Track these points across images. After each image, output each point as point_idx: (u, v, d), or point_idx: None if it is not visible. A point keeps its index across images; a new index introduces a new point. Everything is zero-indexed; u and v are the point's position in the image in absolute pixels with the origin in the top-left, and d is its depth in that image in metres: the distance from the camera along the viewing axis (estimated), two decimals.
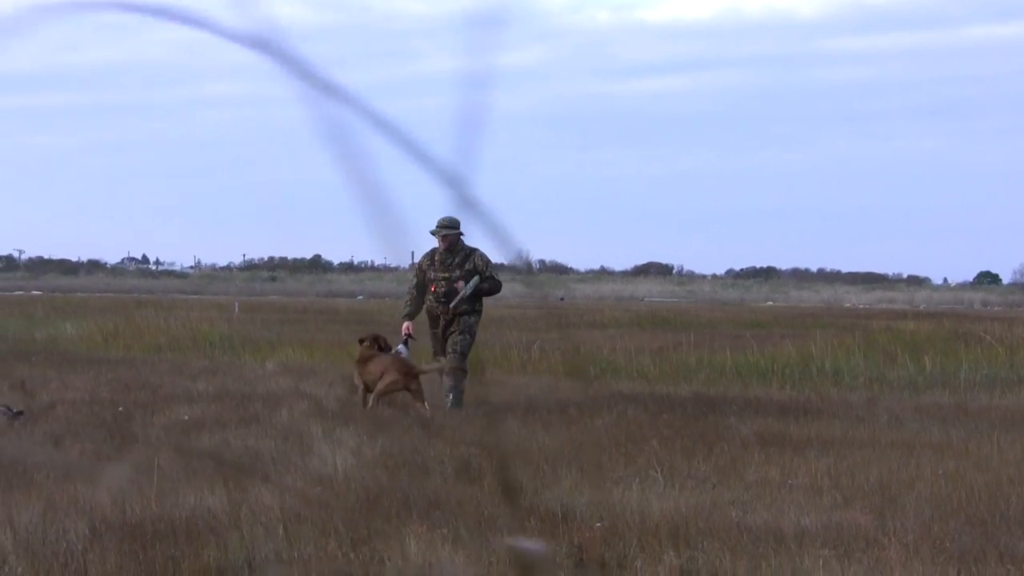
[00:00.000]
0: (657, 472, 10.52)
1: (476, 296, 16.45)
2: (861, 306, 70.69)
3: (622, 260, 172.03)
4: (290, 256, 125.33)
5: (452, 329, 16.26)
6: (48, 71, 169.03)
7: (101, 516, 8.34)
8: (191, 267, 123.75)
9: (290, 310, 45.38)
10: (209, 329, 30.47)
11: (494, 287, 16.72)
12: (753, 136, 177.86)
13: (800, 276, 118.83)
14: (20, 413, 14.14)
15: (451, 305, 16.12)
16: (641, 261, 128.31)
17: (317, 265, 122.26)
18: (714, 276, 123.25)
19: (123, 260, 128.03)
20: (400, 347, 16.36)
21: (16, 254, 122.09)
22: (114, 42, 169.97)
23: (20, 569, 7.17)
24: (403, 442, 12.17)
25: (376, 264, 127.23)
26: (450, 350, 16.16)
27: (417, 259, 16.99)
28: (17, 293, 73.54)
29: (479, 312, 16.63)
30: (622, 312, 49.55)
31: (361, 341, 16.31)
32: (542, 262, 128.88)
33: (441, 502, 9.00)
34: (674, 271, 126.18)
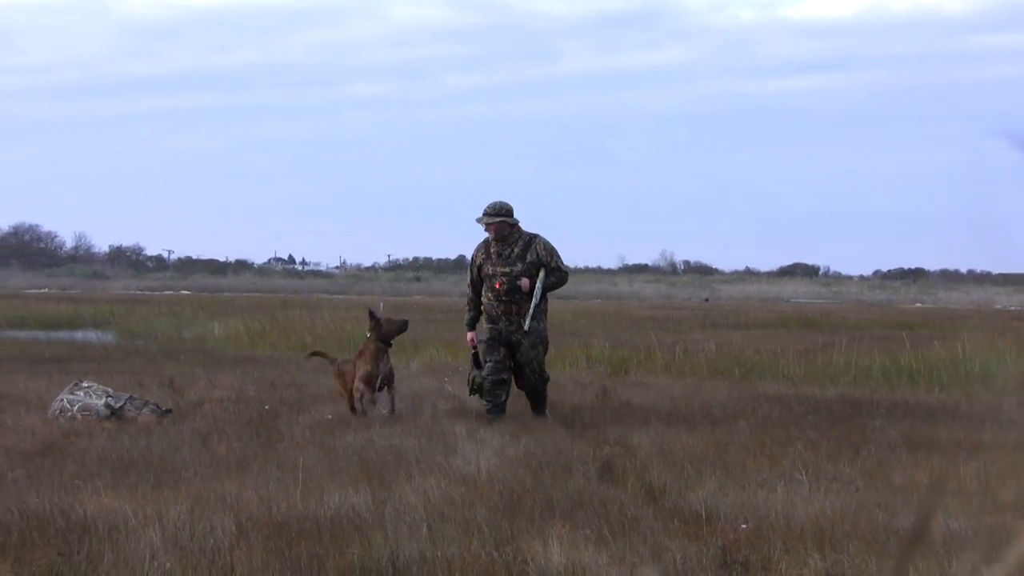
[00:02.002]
0: (802, 474, 10.41)
1: (544, 293, 14.56)
2: (1012, 307, 69.55)
3: (767, 261, 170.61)
4: (434, 256, 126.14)
5: (518, 337, 14.39)
6: (195, 73, 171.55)
7: (247, 513, 8.42)
8: (336, 267, 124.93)
9: (434, 310, 45.59)
10: (354, 329, 30.68)
11: (561, 280, 14.74)
12: (900, 135, 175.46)
13: (949, 277, 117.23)
14: (168, 411, 14.34)
15: (526, 327, 14.29)
16: (787, 262, 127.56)
17: (461, 265, 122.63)
18: (861, 277, 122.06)
19: (270, 260, 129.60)
20: (475, 372, 14.57)
21: (165, 254, 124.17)
22: (259, 44, 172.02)
23: (168, 565, 7.25)
24: (546, 442, 12.16)
25: None
26: (526, 370, 14.46)
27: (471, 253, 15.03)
28: (166, 293, 74.73)
29: (545, 311, 14.70)
30: (767, 313, 49.21)
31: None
32: (687, 263, 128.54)
33: (584, 502, 8.97)
34: (820, 272, 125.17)
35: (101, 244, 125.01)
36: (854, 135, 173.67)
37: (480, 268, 14.64)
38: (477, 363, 14.61)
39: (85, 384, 14.60)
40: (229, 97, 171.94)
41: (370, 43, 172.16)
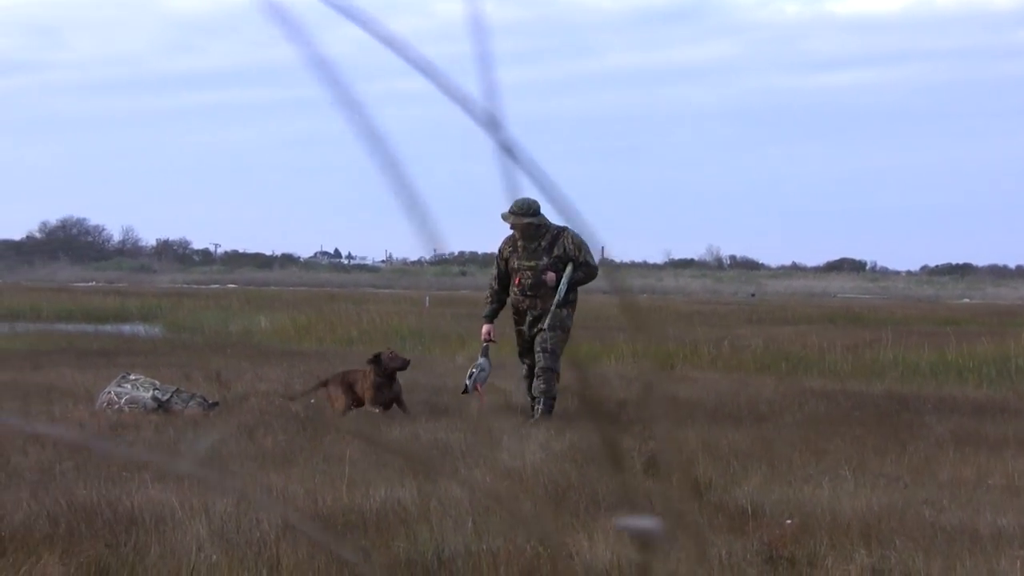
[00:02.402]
0: (848, 470, 10.38)
1: (570, 287, 14.31)
2: None
3: (814, 256, 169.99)
4: (480, 251, 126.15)
5: (541, 325, 14.18)
6: (241, 68, 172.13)
7: (293, 506, 8.45)
8: (382, 261, 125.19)
9: (480, 304, 45.47)
10: (400, 323, 30.77)
11: (589, 274, 14.36)
12: (948, 130, 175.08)
13: (998, 273, 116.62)
14: (215, 404, 14.40)
15: (545, 324, 14.01)
16: (833, 257, 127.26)
17: None
18: (908, 272, 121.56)
19: (316, 254, 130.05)
20: (480, 360, 14.61)
21: (212, 248, 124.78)
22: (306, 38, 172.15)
23: (215, 557, 7.28)
24: (591, 436, 12.13)
25: None
26: (539, 349, 14.14)
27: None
28: (213, 286, 75.02)
29: (573, 303, 14.44)
30: (813, 308, 49.05)
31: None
32: (733, 258, 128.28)
33: (629, 497, 8.95)
34: (867, 267, 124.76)
35: (148, 238, 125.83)
36: (901, 130, 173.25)
37: (507, 262, 14.41)
38: (484, 353, 14.63)
39: (132, 377, 14.67)
40: (276, 91, 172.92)
41: (415, 38, 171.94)
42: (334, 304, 41.64)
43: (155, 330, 33.17)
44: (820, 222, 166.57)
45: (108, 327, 33.17)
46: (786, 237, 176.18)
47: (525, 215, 14.05)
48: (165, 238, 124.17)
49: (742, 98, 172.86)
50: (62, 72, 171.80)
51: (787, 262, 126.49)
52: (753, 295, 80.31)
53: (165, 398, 14.13)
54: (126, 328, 32.82)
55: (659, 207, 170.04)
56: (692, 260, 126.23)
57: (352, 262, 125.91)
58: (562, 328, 14.20)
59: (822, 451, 11.44)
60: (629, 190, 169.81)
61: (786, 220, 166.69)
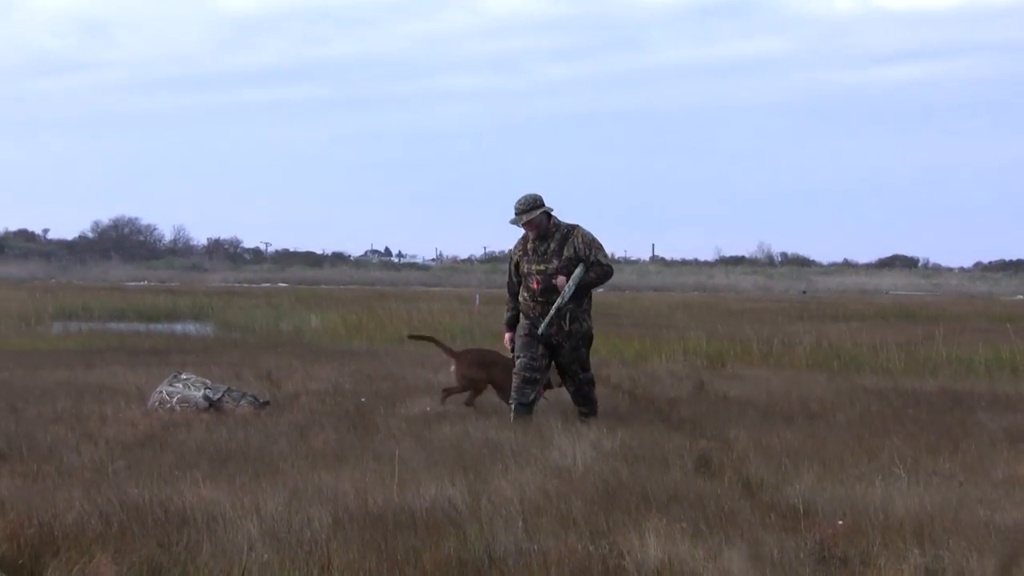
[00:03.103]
0: (901, 468, 10.31)
1: (583, 290, 13.55)
2: None
3: (866, 253, 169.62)
4: None
5: (558, 340, 13.49)
6: (291, 66, 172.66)
7: (344, 506, 8.45)
8: (433, 259, 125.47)
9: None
10: (450, 321, 30.80)
11: (602, 275, 13.56)
12: (1001, 125, 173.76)
13: None
14: (266, 403, 14.43)
15: (546, 329, 13.38)
16: (886, 254, 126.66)
17: None
18: (961, 269, 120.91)
19: (366, 252, 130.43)
20: None
21: (263, 247, 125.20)
22: (355, 36, 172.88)
23: (266, 556, 7.29)
24: (642, 435, 12.12)
25: (616, 256, 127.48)
26: (569, 372, 13.62)
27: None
28: (264, 285, 75.35)
29: (588, 311, 13.68)
30: (866, 305, 48.86)
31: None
32: (784, 255, 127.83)
33: (680, 496, 8.93)
34: (920, 264, 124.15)
35: (200, 237, 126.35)
36: (953, 124, 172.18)
37: (517, 266, 13.70)
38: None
39: (184, 376, 14.72)
40: (325, 89, 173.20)
41: (465, 35, 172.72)
42: (384, 302, 41.74)
43: (206, 329, 33.29)
44: (872, 218, 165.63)
45: (160, 326, 33.33)
46: (838, 233, 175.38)
47: (531, 210, 13.33)
48: (216, 237, 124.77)
49: (793, 93, 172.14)
50: (113, 71, 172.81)
51: (839, 259, 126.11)
52: (805, 292, 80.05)
53: (217, 397, 14.18)
54: (178, 327, 32.98)
55: (710, 204, 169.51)
56: (743, 257, 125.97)
57: (402, 260, 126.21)
58: (585, 342, 13.64)
59: (875, 449, 11.37)
60: (680, 186, 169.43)
61: (838, 216, 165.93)
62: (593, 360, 14.23)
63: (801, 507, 8.59)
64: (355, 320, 32.86)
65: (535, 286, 13.49)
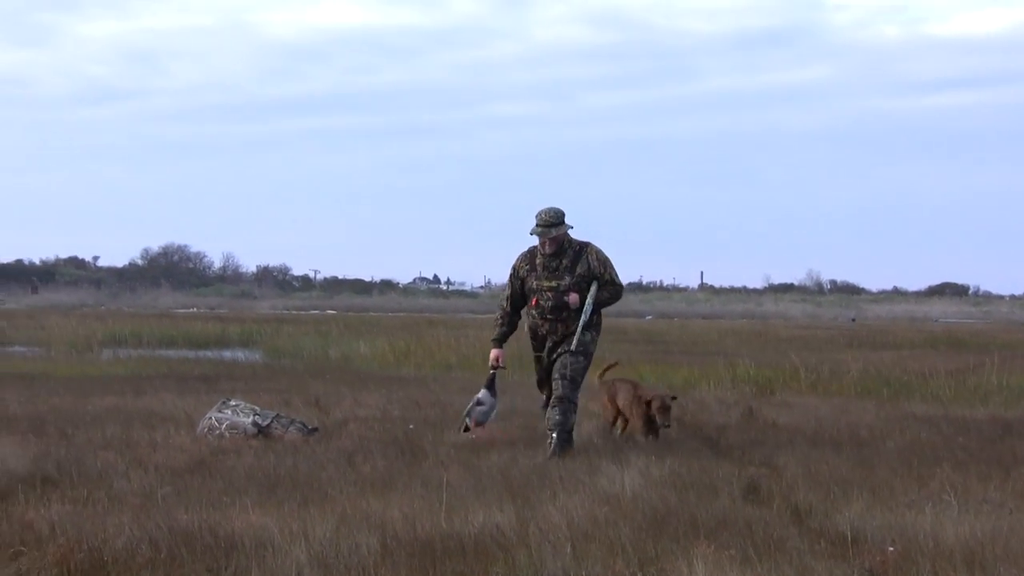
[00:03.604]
0: (951, 496, 10.26)
1: (594, 308, 13.16)
2: None
3: (916, 280, 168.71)
4: None
5: (562, 350, 13.09)
6: (339, 94, 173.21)
7: (392, 532, 8.45)
8: (481, 287, 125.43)
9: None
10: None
11: (615, 294, 13.24)
12: None
13: None
14: (315, 429, 14.45)
15: (572, 347, 12.97)
16: (936, 281, 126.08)
17: None
18: (1012, 297, 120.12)
19: (415, 280, 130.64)
20: (482, 394, 13.80)
21: (312, 274, 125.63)
22: (402, 65, 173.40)
23: None
24: (691, 462, 12.09)
25: (665, 284, 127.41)
26: (557, 375, 13.04)
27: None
28: (313, 312, 75.53)
29: (597, 326, 13.27)
30: (916, 333, 48.62)
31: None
32: (833, 282, 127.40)
33: (729, 523, 8.90)
34: (970, 291, 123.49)
35: (248, 264, 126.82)
36: (1002, 152, 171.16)
37: (523, 281, 13.20)
38: (490, 385, 13.75)
39: (233, 402, 14.77)
40: (373, 118, 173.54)
41: (512, 63, 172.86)
42: (433, 330, 41.79)
43: (255, 356, 33.41)
44: (922, 246, 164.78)
45: (209, 353, 33.45)
46: (887, 261, 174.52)
47: (559, 224, 12.94)
48: (265, 264, 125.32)
49: (842, 120, 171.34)
50: (162, 99, 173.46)
51: (888, 286, 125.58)
52: (854, 320, 79.73)
53: (265, 423, 14.21)
54: (226, 354, 33.07)
55: (759, 231, 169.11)
56: (792, 285, 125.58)
57: (451, 288, 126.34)
58: (585, 354, 13.10)
59: (924, 477, 11.31)
60: (728, 214, 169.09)
61: (887, 244, 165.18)
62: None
63: (850, 534, 8.55)
64: (403, 347, 32.89)
65: (546, 303, 13.07)
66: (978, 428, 15.56)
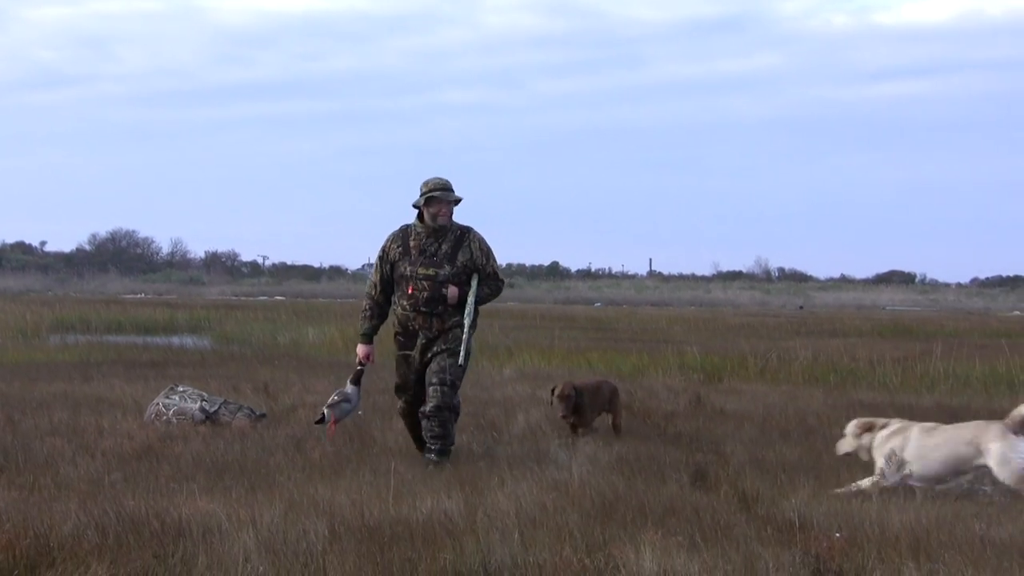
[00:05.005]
0: None
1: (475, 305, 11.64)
2: None
3: (863, 268, 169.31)
4: (528, 263, 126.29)
5: (438, 349, 11.47)
6: (288, 80, 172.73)
7: (340, 518, 8.45)
8: None
9: (527, 316, 45.62)
10: None
11: (495, 291, 11.75)
12: (997, 142, 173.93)
13: None
14: (263, 415, 14.44)
15: (460, 360, 11.42)
16: (883, 269, 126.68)
17: (555, 272, 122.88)
18: (958, 284, 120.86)
19: (364, 266, 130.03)
20: (349, 389, 12.30)
21: (260, 260, 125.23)
22: (351, 51, 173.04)
23: (262, 568, 7.30)
24: (639, 449, 12.12)
25: (613, 271, 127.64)
26: (435, 380, 11.39)
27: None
28: (261, 298, 75.31)
29: (474, 324, 11.66)
30: (863, 320, 48.85)
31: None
32: (782, 270, 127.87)
33: (677, 509, 8.93)
34: (917, 279, 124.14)
35: (197, 250, 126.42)
36: (950, 141, 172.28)
37: (394, 266, 11.60)
38: (356, 380, 12.28)
39: (180, 388, 14.73)
40: (322, 104, 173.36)
41: (462, 50, 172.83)
42: None
43: (204, 342, 33.25)
44: (869, 234, 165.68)
45: (157, 339, 33.27)
46: (835, 249, 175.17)
47: (450, 190, 11.55)
48: (214, 250, 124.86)
49: (790, 109, 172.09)
50: (111, 84, 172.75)
51: (836, 274, 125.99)
52: (802, 307, 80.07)
53: (213, 409, 14.18)
54: (175, 340, 32.91)
55: (707, 219, 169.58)
56: (740, 272, 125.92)
57: None
58: (466, 356, 11.51)
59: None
60: (677, 202, 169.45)
61: (835, 232, 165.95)
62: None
63: (797, 521, 8.60)
64: (352, 334, 32.78)
65: (421, 294, 11.48)
66: (924, 415, 15.64)
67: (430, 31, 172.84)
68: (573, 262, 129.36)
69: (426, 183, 11.50)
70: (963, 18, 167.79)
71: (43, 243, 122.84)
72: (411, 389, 11.68)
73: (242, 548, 7.59)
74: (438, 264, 11.46)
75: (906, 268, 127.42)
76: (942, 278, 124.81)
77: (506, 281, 11.96)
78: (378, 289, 11.74)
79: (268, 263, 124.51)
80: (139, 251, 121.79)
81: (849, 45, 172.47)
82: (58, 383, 18.43)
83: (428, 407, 11.38)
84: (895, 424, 11.04)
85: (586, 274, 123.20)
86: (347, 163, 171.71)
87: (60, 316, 39.76)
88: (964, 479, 10.38)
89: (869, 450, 10.95)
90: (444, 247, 11.48)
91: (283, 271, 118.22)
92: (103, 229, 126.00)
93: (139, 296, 74.58)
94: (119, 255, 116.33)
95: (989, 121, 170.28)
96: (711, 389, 19.15)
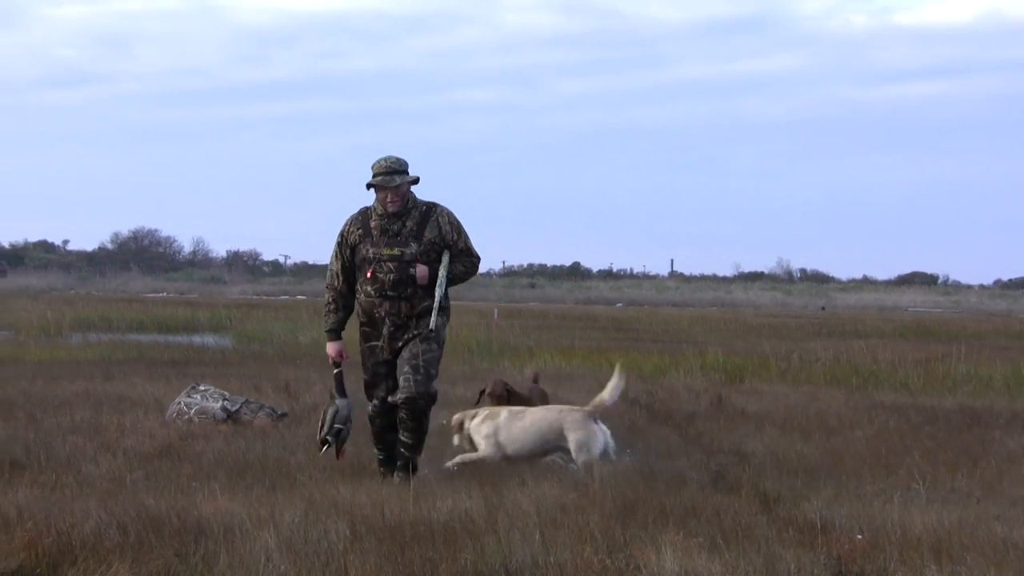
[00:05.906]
0: (919, 485, 10.30)
1: (448, 285, 10.71)
2: None
3: (885, 269, 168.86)
4: (549, 263, 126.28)
5: (409, 335, 10.56)
6: (308, 79, 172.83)
7: (361, 517, 8.45)
8: None
9: (549, 316, 45.58)
10: (469, 335, 30.74)
11: (471, 267, 10.85)
12: (1019, 142, 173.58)
13: None
14: (284, 415, 14.44)
15: (431, 326, 10.51)
16: (905, 270, 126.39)
17: (576, 272, 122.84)
18: (981, 286, 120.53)
19: None
20: (339, 403, 11.02)
21: (282, 260, 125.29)
22: (370, 50, 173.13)
23: (283, 567, 7.30)
24: (660, 449, 12.11)
25: (635, 271, 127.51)
26: (407, 368, 10.55)
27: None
28: (283, 298, 75.38)
29: (447, 309, 10.80)
30: (885, 322, 48.76)
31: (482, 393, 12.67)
32: (803, 271, 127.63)
33: (697, 510, 8.92)
34: (939, 281, 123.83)
35: (219, 249, 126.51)
36: (972, 142, 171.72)
37: (354, 250, 10.64)
38: (340, 390, 11.08)
39: (202, 387, 14.74)
40: (342, 103, 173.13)
41: (481, 49, 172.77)
42: None
43: (225, 341, 33.29)
44: (891, 235, 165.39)
45: (178, 338, 33.33)
46: (857, 250, 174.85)
47: (400, 172, 10.53)
48: (235, 249, 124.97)
49: (810, 110, 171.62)
50: (131, 83, 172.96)
51: (858, 275, 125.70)
52: (823, 308, 79.95)
53: (234, 408, 14.20)
54: (196, 339, 32.96)
55: (729, 220, 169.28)
56: (762, 273, 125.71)
57: None
58: (439, 341, 10.65)
59: (893, 466, 11.36)
60: (699, 202, 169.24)
61: (857, 233, 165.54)
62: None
63: (818, 522, 8.58)
64: None
65: (385, 277, 10.55)
66: (946, 417, 15.61)
67: (448, 30, 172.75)
68: (594, 262, 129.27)
69: (373, 165, 10.63)
70: (985, 18, 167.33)
71: (65, 242, 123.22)
72: (382, 384, 10.78)
73: (263, 547, 7.60)
74: (403, 243, 10.52)
75: (928, 269, 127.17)
76: (964, 279, 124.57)
77: (481, 258, 10.95)
78: (340, 279, 10.76)
79: (289, 262, 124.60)
80: (161, 250, 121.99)
81: (869, 45, 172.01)
82: (80, 382, 18.46)
83: (400, 396, 10.58)
84: (483, 411, 11.48)
85: (607, 274, 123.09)
86: (366, 162, 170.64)
87: (82, 315, 39.85)
88: (555, 456, 11.23)
89: (470, 440, 11.36)
90: (409, 224, 10.55)
91: (304, 270, 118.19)
92: (125, 228, 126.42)
93: (161, 295, 74.69)
94: (141, 254, 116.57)
95: (1011, 121, 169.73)
96: (732, 390, 19.12)
